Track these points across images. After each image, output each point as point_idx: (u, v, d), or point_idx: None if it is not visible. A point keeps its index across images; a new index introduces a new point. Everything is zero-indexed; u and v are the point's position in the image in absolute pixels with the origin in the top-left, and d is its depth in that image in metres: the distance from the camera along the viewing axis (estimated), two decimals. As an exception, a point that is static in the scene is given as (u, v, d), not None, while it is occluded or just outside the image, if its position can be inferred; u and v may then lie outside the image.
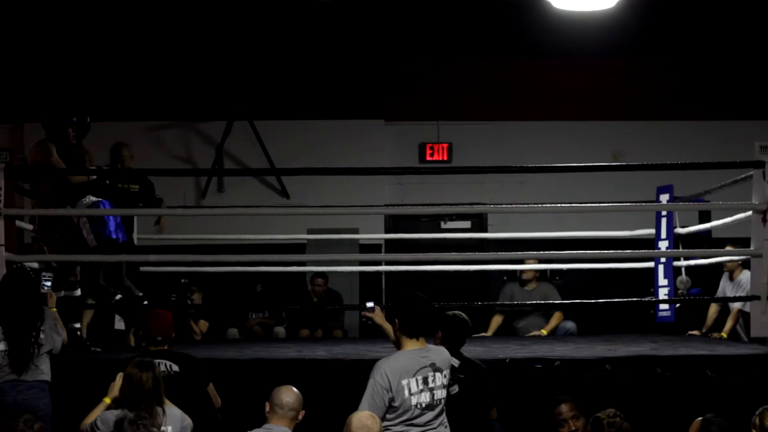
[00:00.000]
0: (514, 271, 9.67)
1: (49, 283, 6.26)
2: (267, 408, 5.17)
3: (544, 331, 9.14)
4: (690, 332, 8.70)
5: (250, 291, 9.95)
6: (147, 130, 10.68)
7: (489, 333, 9.28)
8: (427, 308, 5.16)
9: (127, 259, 7.71)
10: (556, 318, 9.25)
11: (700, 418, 4.88)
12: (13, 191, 7.09)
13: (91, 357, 7.00)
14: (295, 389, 5.19)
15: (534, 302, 9.23)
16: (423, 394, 5.01)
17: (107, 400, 5.33)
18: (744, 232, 7.26)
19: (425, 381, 5.03)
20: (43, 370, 5.89)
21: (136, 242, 8.82)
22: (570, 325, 9.48)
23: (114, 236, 7.42)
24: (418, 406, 4.99)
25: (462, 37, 10.75)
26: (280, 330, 9.69)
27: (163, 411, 5.15)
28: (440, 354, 5.18)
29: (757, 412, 4.87)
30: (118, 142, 8.46)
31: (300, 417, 5.17)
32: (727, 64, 11.10)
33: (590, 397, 5.80)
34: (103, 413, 5.20)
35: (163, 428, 5.08)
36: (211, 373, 6.05)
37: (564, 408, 5.43)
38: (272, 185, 10.87)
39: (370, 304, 5.35)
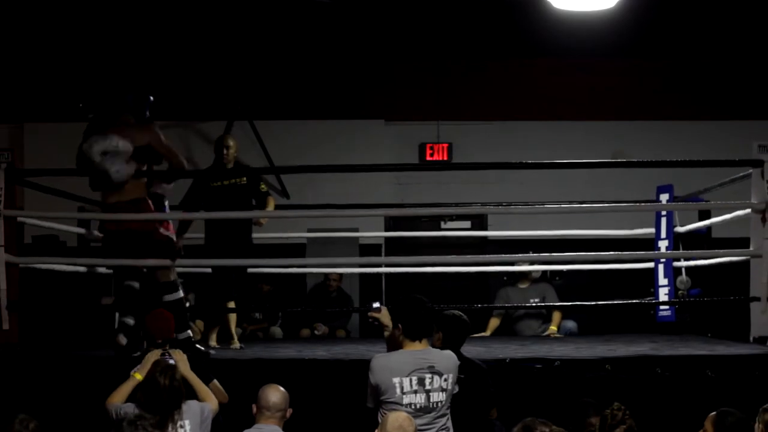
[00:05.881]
0: (513, 274, 9.68)
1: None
2: (254, 410, 5.17)
3: (554, 327, 9.14)
4: None
5: (250, 291, 9.93)
6: (147, 130, 10.66)
7: (488, 333, 9.30)
8: (427, 310, 5.20)
9: (125, 262, 7.64)
10: (556, 316, 9.26)
11: (714, 412, 4.86)
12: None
13: (90, 357, 7.00)
14: (281, 388, 5.19)
15: (533, 305, 9.25)
16: (417, 395, 5.02)
17: (138, 377, 5.30)
18: (744, 232, 7.26)
19: (420, 382, 5.04)
20: None
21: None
22: (571, 324, 9.50)
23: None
24: (411, 407, 5.00)
25: (462, 37, 10.75)
26: (277, 330, 9.70)
27: (180, 408, 5.14)
28: (443, 358, 5.19)
29: (761, 409, 4.88)
30: (221, 135, 8.28)
31: (288, 415, 5.18)
32: (727, 64, 11.11)
33: (590, 397, 5.79)
34: (126, 405, 5.18)
35: (180, 423, 5.08)
36: (212, 370, 6.04)
37: (595, 421, 5.35)
38: (272, 185, 10.86)
39: (376, 305, 5.36)
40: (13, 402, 5.79)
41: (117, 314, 7.11)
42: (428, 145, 11.07)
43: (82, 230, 8.27)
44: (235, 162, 8.13)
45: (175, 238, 7.21)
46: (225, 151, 7.99)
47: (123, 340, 6.71)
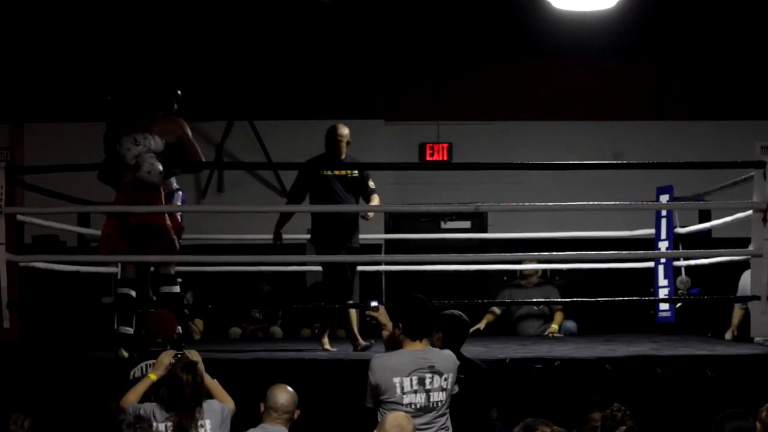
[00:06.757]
0: (512, 274, 9.67)
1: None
2: (262, 409, 5.17)
3: (555, 326, 9.17)
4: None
5: (250, 291, 9.93)
6: (147, 130, 10.66)
7: (481, 326, 9.27)
8: (427, 310, 5.20)
9: (125, 260, 7.62)
10: (558, 316, 9.28)
11: (722, 413, 4.82)
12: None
13: (90, 357, 6.99)
14: (289, 389, 5.18)
15: (532, 300, 9.26)
16: (418, 394, 5.03)
17: (153, 377, 5.29)
18: (744, 232, 7.26)
19: (421, 382, 5.05)
20: None
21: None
22: (571, 324, 9.51)
23: None
24: (411, 407, 5.00)
25: (462, 37, 10.75)
26: (276, 330, 9.69)
27: (201, 407, 5.13)
28: (443, 357, 5.20)
29: (760, 410, 4.88)
30: (334, 125, 7.72)
31: (295, 416, 5.18)
32: (727, 64, 11.11)
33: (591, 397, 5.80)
34: (146, 405, 5.18)
35: (201, 422, 5.08)
36: (213, 370, 6.03)
37: (598, 416, 5.36)
38: (272, 185, 10.86)
39: (374, 304, 5.37)
40: (13, 401, 5.78)
41: (115, 324, 7.05)
42: (428, 145, 11.06)
43: (82, 230, 8.26)
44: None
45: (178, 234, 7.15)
46: (339, 141, 7.55)
47: (124, 353, 6.67)
